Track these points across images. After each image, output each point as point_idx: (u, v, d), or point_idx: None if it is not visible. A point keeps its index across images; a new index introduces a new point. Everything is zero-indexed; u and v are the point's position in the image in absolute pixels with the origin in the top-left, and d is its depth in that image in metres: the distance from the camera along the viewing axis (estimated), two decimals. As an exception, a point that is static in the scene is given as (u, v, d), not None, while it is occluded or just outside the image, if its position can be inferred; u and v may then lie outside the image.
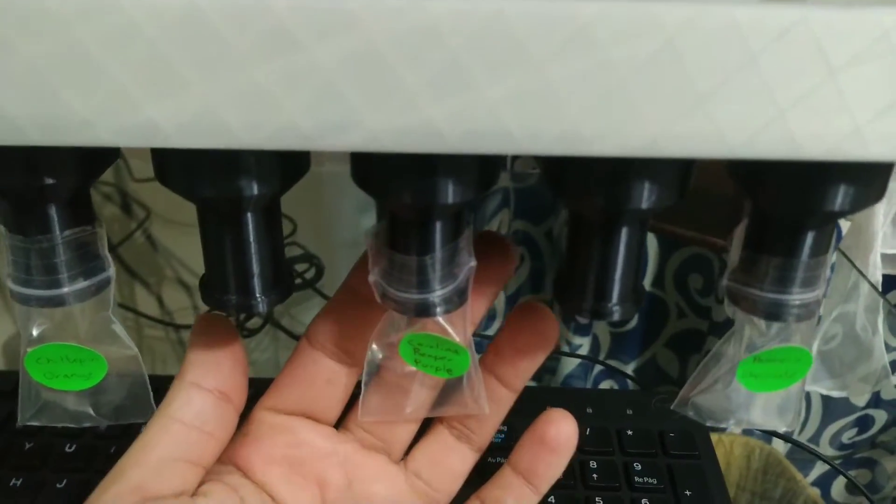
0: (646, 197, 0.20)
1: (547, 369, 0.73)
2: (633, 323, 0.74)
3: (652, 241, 0.71)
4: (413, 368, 0.25)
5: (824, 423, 0.77)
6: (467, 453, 0.31)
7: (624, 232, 0.22)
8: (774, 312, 0.23)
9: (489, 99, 0.18)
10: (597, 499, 0.38)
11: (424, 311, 0.23)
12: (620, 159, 0.19)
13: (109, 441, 0.40)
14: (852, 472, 0.77)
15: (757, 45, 0.17)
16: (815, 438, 0.76)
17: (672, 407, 0.26)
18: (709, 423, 0.26)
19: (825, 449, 0.77)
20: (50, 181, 0.20)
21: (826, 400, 0.76)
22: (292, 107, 0.18)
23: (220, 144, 0.18)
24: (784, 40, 0.17)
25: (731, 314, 0.24)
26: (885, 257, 0.63)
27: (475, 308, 0.28)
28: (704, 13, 0.17)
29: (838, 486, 0.78)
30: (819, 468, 0.78)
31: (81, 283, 0.22)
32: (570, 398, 0.45)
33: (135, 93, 0.18)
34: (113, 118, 0.18)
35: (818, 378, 0.68)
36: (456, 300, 0.23)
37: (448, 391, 0.27)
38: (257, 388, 0.44)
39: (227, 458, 0.27)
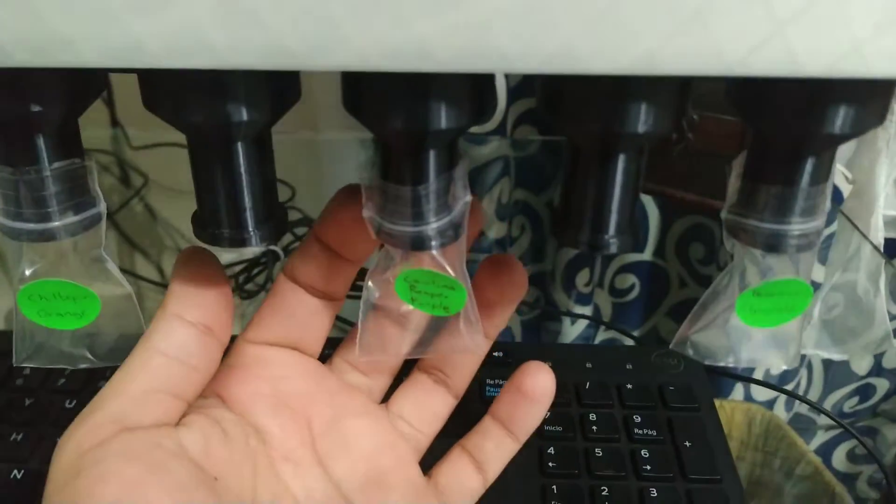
0: (642, 120, 0.20)
1: (550, 333, 0.73)
2: (635, 292, 0.74)
3: (653, 211, 0.71)
4: (409, 306, 0.25)
5: (826, 391, 0.76)
6: (446, 397, 0.32)
7: (620, 160, 0.21)
8: (774, 243, 0.22)
9: (481, 14, 0.17)
10: (596, 450, 0.38)
11: (420, 244, 0.22)
12: (616, 80, 0.18)
13: (108, 396, 0.40)
14: (853, 441, 0.77)
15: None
16: (817, 409, 0.76)
17: (671, 346, 0.26)
18: (707, 362, 0.26)
19: (826, 419, 0.77)
20: (37, 108, 0.20)
21: (827, 368, 0.76)
22: (277, 23, 0.17)
23: (205, 64, 0.18)
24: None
25: (730, 248, 0.24)
26: (887, 220, 0.63)
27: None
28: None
29: (839, 455, 0.78)
30: (820, 437, 0.78)
31: (72, 218, 0.22)
32: (570, 354, 0.44)
33: (118, 9, 0.17)
34: (97, 37, 0.17)
35: (821, 344, 0.68)
36: (451, 233, 0.23)
37: (444, 329, 0.27)
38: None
39: (211, 391, 0.27)
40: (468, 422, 0.39)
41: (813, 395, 0.77)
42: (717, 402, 0.55)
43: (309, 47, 0.17)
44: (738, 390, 0.68)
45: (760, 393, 0.69)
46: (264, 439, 0.27)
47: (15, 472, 0.36)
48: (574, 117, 0.20)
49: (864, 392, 0.76)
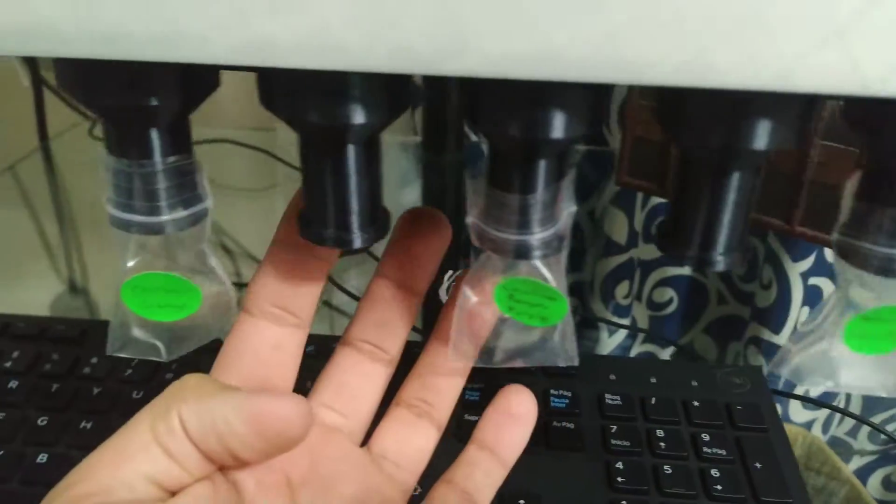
0: (768, 136, 0.19)
1: (587, 343, 0.72)
2: (673, 307, 0.73)
3: None
4: (505, 315, 0.24)
5: (864, 414, 0.75)
6: (430, 430, 0.31)
7: (737, 176, 0.21)
8: (887, 267, 0.22)
9: (612, 23, 0.17)
10: (665, 467, 0.37)
11: (523, 253, 0.22)
12: (741, 94, 0.18)
13: (176, 388, 0.40)
14: (890, 468, 0.76)
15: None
16: (854, 432, 0.75)
17: (770, 367, 0.25)
18: (805, 385, 0.25)
19: (863, 443, 0.75)
20: (156, 102, 0.20)
21: (866, 395, 0.74)
22: (411, 27, 0.17)
23: (335, 65, 0.18)
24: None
25: (840, 270, 0.23)
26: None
27: (419, 284, 0.28)
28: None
29: (874, 482, 0.76)
30: (855, 461, 0.77)
31: (181, 212, 0.22)
32: (634, 368, 0.44)
33: (252, 7, 0.17)
34: (229, 34, 0.17)
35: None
36: (556, 244, 0.22)
37: (537, 340, 0.26)
38: (319, 346, 0.44)
39: None
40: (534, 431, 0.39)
41: (849, 421, 0.75)
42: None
43: (440, 52, 0.17)
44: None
45: (798, 415, 0.67)
46: (242, 498, 0.25)
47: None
48: (695, 131, 0.20)
49: (905, 417, 0.74)
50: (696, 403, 0.41)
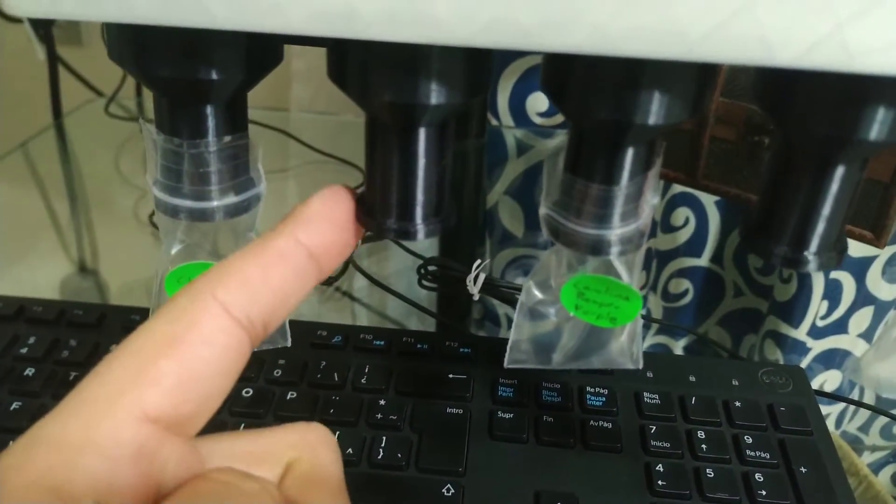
0: (879, 125, 0.18)
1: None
2: (688, 298, 0.72)
3: (714, 215, 0.69)
4: (570, 314, 0.23)
5: (874, 414, 0.74)
6: None
7: (840, 171, 0.19)
8: None
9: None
10: (707, 470, 0.36)
11: (601, 248, 0.20)
12: (860, 79, 0.16)
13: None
14: None
15: None
16: (866, 428, 0.74)
17: (846, 374, 0.23)
18: (885, 395, 0.23)
19: (875, 439, 0.74)
20: (217, 76, 0.18)
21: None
22: (511, -4, 0.15)
23: (426, 38, 0.16)
24: None
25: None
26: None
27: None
28: None
29: (883, 478, 0.75)
30: (866, 458, 0.76)
31: (232, 199, 0.20)
32: (671, 365, 0.42)
33: (335, -28, 0.15)
34: (308, 2, 0.16)
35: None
36: (637, 240, 0.21)
37: (599, 341, 0.25)
38: (347, 336, 0.42)
39: None
40: (569, 430, 0.37)
41: (862, 415, 0.74)
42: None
43: (546, 24, 0.16)
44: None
45: None
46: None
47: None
48: (800, 118, 0.18)
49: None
50: (737, 404, 0.40)
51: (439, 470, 0.35)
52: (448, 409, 0.39)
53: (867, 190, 0.39)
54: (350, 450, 0.36)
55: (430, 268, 0.53)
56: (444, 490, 0.35)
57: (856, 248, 0.59)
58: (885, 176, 0.39)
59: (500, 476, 0.36)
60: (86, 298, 0.53)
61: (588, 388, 0.40)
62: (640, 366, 0.24)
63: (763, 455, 0.37)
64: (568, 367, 0.25)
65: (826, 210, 0.20)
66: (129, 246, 0.63)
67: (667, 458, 0.37)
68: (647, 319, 0.69)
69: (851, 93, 0.18)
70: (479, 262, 0.44)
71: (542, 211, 0.21)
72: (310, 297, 0.56)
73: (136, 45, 0.18)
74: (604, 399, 0.40)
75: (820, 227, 0.20)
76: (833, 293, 0.60)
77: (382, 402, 0.39)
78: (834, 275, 0.60)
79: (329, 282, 0.55)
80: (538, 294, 0.23)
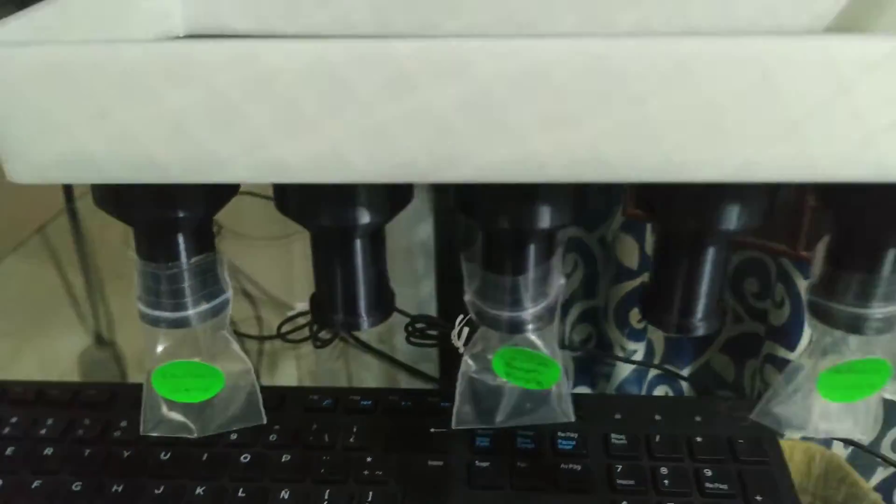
0: (736, 219, 0.21)
1: (602, 375, 0.74)
2: None
3: None
4: (504, 380, 0.26)
5: (885, 427, 0.76)
6: None
7: (711, 252, 0.23)
8: (855, 326, 0.24)
9: (591, 132, 0.19)
10: (669, 504, 0.39)
11: (517, 328, 0.24)
12: (711, 185, 0.20)
13: (202, 448, 0.42)
14: None
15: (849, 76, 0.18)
16: (876, 444, 0.76)
17: (751, 416, 0.27)
18: (786, 433, 0.27)
19: (886, 453, 0.76)
20: (183, 214, 0.22)
21: (887, 405, 0.75)
22: (409, 144, 0.19)
23: (342, 179, 0.20)
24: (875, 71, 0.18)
25: (812, 327, 0.25)
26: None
27: None
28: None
29: None
30: (880, 474, 0.77)
31: (204, 306, 0.24)
32: (638, 406, 0.46)
33: (267, 134, 0.19)
34: (246, 157, 0.20)
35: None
36: (547, 317, 0.24)
37: (534, 401, 0.28)
38: (337, 398, 0.46)
39: None
40: (542, 474, 0.40)
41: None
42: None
43: (436, 164, 0.19)
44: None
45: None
46: None
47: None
48: (671, 217, 0.22)
49: (926, 430, 0.75)
50: (698, 439, 0.43)
51: (423, 520, 0.39)
52: (430, 462, 0.42)
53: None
54: (340, 505, 0.39)
55: (418, 325, 0.57)
56: (427, 538, 0.38)
57: None
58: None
59: (480, 522, 0.39)
60: (103, 369, 0.57)
61: (559, 433, 0.43)
62: (571, 419, 0.27)
63: (722, 486, 0.40)
64: (508, 425, 0.28)
65: (703, 285, 0.24)
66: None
67: (632, 494, 0.40)
68: (639, 364, 0.72)
69: (710, 195, 0.22)
70: (461, 317, 0.48)
71: (467, 297, 0.25)
72: (309, 361, 0.60)
73: (114, 195, 0.22)
74: (574, 443, 0.43)
75: (702, 299, 0.24)
76: None
77: (369, 459, 0.42)
78: None
79: (324, 345, 0.58)
80: (474, 365, 0.27)
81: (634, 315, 0.71)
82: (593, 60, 0.18)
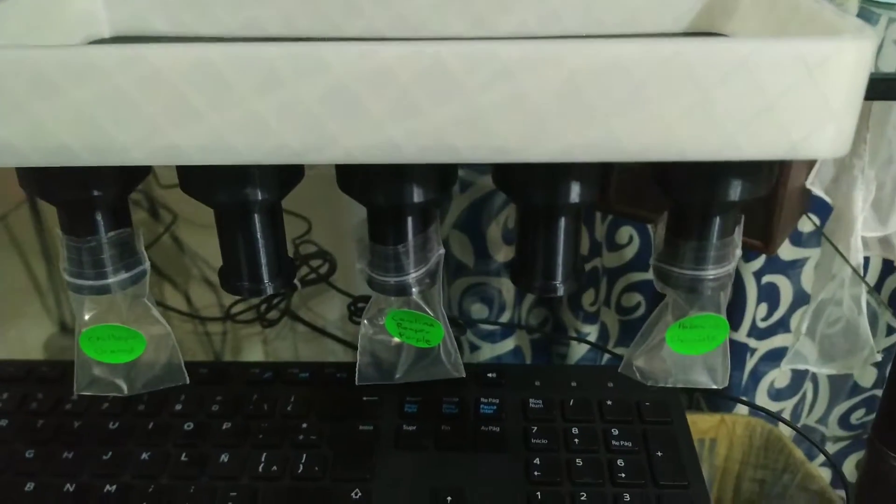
0: (580, 193, 0.25)
1: (558, 355, 0.77)
2: (642, 310, 0.78)
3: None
4: (398, 340, 0.30)
5: (832, 404, 0.80)
6: None
7: (562, 222, 0.26)
8: (693, 287, 0.27)
9: (435, 121, 0.22)
10: (577, 460, 0.43)
11: (402, 290, 0.28)
12: (554, 166, 0.23)
13: (147, 418, 0.45)
14: (861, 452, 0.81)
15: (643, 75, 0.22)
16: (824, 419, 0.80)
17: (619, 370, 0.30)
18: (649, 384, 0.30)
19: (833, 429, 0.80)
20: (97, 193, 0.25)
21: (833, 382, 0.79)
22: (283, 131, 0.23)
23: (228, 161, 0.23)
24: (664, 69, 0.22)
25: (661, 289, 0.28)
26: (870, 240, 0.67)
27: None
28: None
29: (849, 466, 0.81)
30: (830, 447, 0.82)
31: (123, 275, 0.27)
32: (556, 374, 0.49)
33: (161, 124, 0.23)
34: (145, 143, 0.23)
35: (817, 362, 0.72)
36: (428, 281, 0.28)
37: (429, 359, 0.32)
38: (277, 371, 0.49)
39: None
40: (464, 436, 0.44)
41: (819, 408, 0.80)
42: (718, 417, 0.60)
43: (307, 148, 0.23)
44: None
45: (767, 405, 0.72)
46: None
47: (67, 485, 0.41)
48: (523, 193, 0.26)
49: (871, 404, 0.79)
50: (609, 402, 0.47)
51: (350, 478, 0.42)
52: (361, 427, 0.45)
53: (754, 207, 0.46)
54: (275, 467, 0.43)
55: (360, 305, 0.60)
56: (353, 494, 0.41)
57: (787, 252, 0.66)
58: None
59: (403, 480, 0.42)
60: (69, 355, 0.60)
61: (482, 399, 0.47)
62: (462, 374, 0.31)
63: (626, 443, 0.44)
64: (406, 380, 0.32)
65: (559, 251, 0.27)
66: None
67: (544, 452, 0.43)
68: (591, 344, 0.76)
69: (555, 171, 0.25)
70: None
71: (358, 267, 0.28)
72: (256, 339, 0.63)
73: (35, 177, 0.25)
74: (495, 407, 0.46)
75: (559, 263, 0.27)
76: (770, 296, 0.67)
77: (304, 426, 0.45)
78: (768, 278, 0.67)
79: (271, 325, 0.61)
80: (370, 328, 0.30)
81: (587, 298, 0.75)
82: (430, 61, 0.21)
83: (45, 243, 0.85)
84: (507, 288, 0.74)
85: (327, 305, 0.68)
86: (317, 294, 0.68)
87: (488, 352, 0.76)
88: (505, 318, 0.76)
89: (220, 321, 0.66)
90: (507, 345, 0.77)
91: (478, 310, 0.76)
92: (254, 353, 0.62)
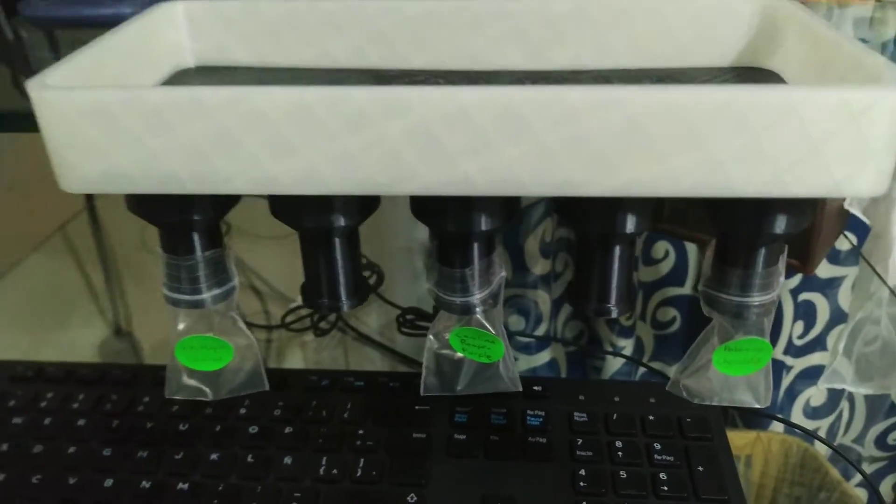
0: (630, 223, 0.27)
1: (594, 368, 0.79)
2: (676, 325, 0.79)
3: (692, 247, 0.76)
4: (461, 355, 0.32)
5: (868, 424, 0.80)
6: None
7: (617, 250, 0.29)
8: (739, 312, 0.29)
9: (507, 158, 0.25)
10: (621, 473, 0.44)
11: (467, 310, 0.30)
12: (613, 199, 0.26)
13: (215, 421, 0.48)
14: None
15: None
16: (860, 439, 0.80)
17: (667, 388, 0.32)
18: (696, 401, 0.32)
19: (870, 449, 0.80)
20: (197, 217, 0.28)
21: (870, 401, 0.79)
22: (369, 165, 0.25)
23: (319, 191, 0.26)
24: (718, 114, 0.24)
25: (708, 313, 0.30)
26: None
27: None
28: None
29: (885, 487, 0.81)
30: (866, 468, 0.82)
31: (216, 291, 0.30)
32: (601, 389, 0.51)
33: (261, 157, 0.25)
34: (245, 174, 0.26)
35: (854, 382, 0.73)
36: (491, 302, 0.30)
37: (488, 373, 0.34)
38: (333, 379, 0.52)
39: None
40: (512, 446, 0.46)
41: (856, 427, 0.80)
42: (754, 434, 0.60)
43: (391, 181, 0.25)
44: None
45: (803, 424, 0.73)
46: None
47: (143, 483, 0.44)
48: (581, 222, 0.28)
49: (907, 424, 0.79)
50: (651, 417, 0.48)
51: (406, 483, 0.45)
52: (414, 434, 0.48)
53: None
54: (335, 470, 0.45)
55: (408, 316, 0.63)
56: (409, 498, 0.44)
57: (824, 270, 0.67)
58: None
59: (455, 486, 0.45)
60: (122, 358, 0.63)
61: (528, 412, 0.49)
62: (519, 388, 0.33)
63: (668, 458, 0.45)
64: (467, 392, 0.34)
65: (615, 276, 0.29)
66: (159, 308, 0.74)
67: (589, 464, 0.45)
68: (627, 358, 0.77)
69: (614, 204, 0.27)
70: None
71: (427, 286, 0.30)
72: (307, 348, 0.65)
73: (142, 202, 0.28)
74: (541, 419, 0.49)
75: (614, 287, 0.30)
76: (806, 314, 0.68)
77: (361, 432, 0.48)
78: (804, 296, 0.68)
79: (323, 333, 0.64)
80: (436, 342, 0.32)
81: (624, 313, 0.76)
82: (504, 104, 0.24)
83: (102, 249, 0.89)
84: (542, 300, 0.75)
85: (374, 316, 0.71)
86: (366, 305, 0.71)
87: (524, 363, 0.78)
88: (541, 330, 0.78)
89: (271, 329, 0.69)
90: (543, 357, 0.78)
91: (514, 321, 0.78)
92: (299, 359, 0.65)
